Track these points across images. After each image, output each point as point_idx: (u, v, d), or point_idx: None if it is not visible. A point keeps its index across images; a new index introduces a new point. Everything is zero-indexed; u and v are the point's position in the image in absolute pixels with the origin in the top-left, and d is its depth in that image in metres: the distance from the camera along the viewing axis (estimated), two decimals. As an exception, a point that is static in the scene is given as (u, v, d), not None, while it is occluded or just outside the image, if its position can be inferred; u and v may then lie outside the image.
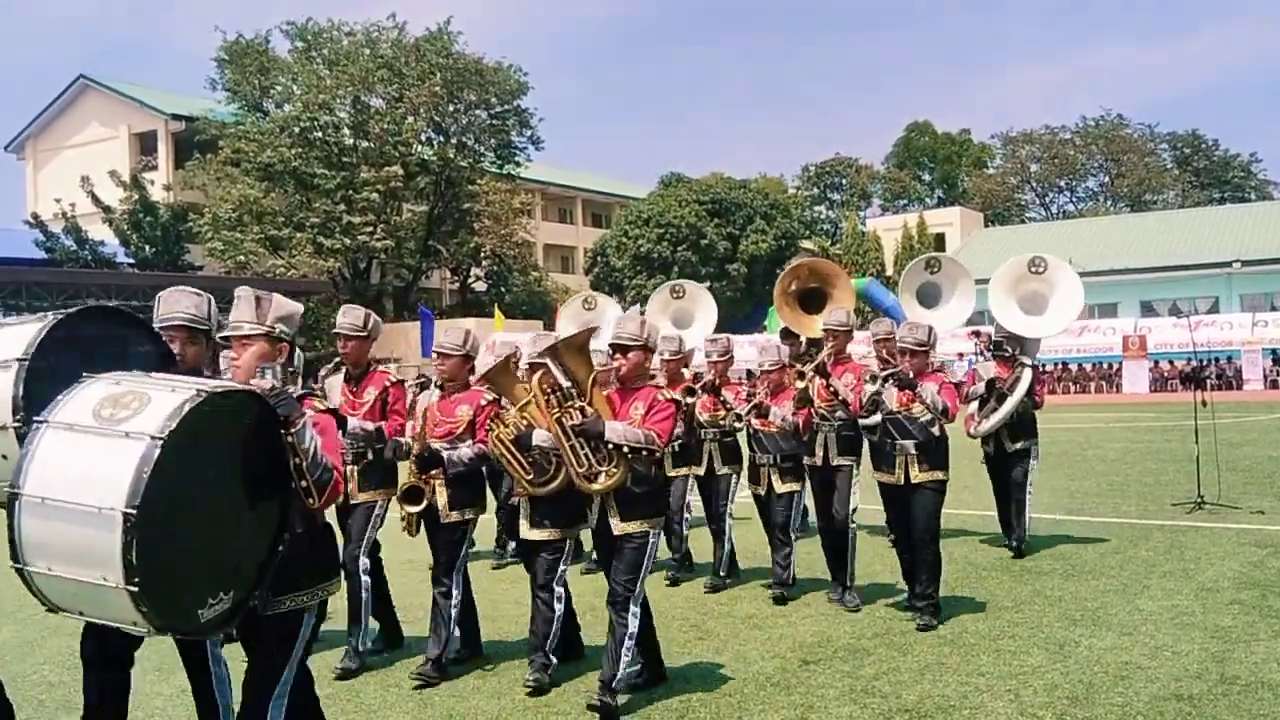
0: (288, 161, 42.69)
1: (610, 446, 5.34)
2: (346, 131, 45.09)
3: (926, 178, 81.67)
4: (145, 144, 51.26)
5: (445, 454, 6.07)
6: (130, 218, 40.39)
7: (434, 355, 6.41)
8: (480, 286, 52.60)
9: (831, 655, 6.38)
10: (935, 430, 7.02)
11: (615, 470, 5.39)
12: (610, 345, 5.79)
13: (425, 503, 6.06)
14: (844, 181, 78.99)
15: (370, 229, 43.41)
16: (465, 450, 6.13)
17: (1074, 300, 10.08)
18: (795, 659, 6.32)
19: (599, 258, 57.45)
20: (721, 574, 8.42)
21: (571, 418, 5.39)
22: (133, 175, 42.19)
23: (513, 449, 5.76)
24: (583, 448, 5.41)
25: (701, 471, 8.54)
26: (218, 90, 45.20)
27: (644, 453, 5.38)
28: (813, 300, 9.40)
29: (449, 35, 46.66)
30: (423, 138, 47.58)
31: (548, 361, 5.64)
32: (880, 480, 7.30)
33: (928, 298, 10.24)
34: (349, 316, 6.58)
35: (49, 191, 46.49)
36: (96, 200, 40.02)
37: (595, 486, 5.43)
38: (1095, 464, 16.10)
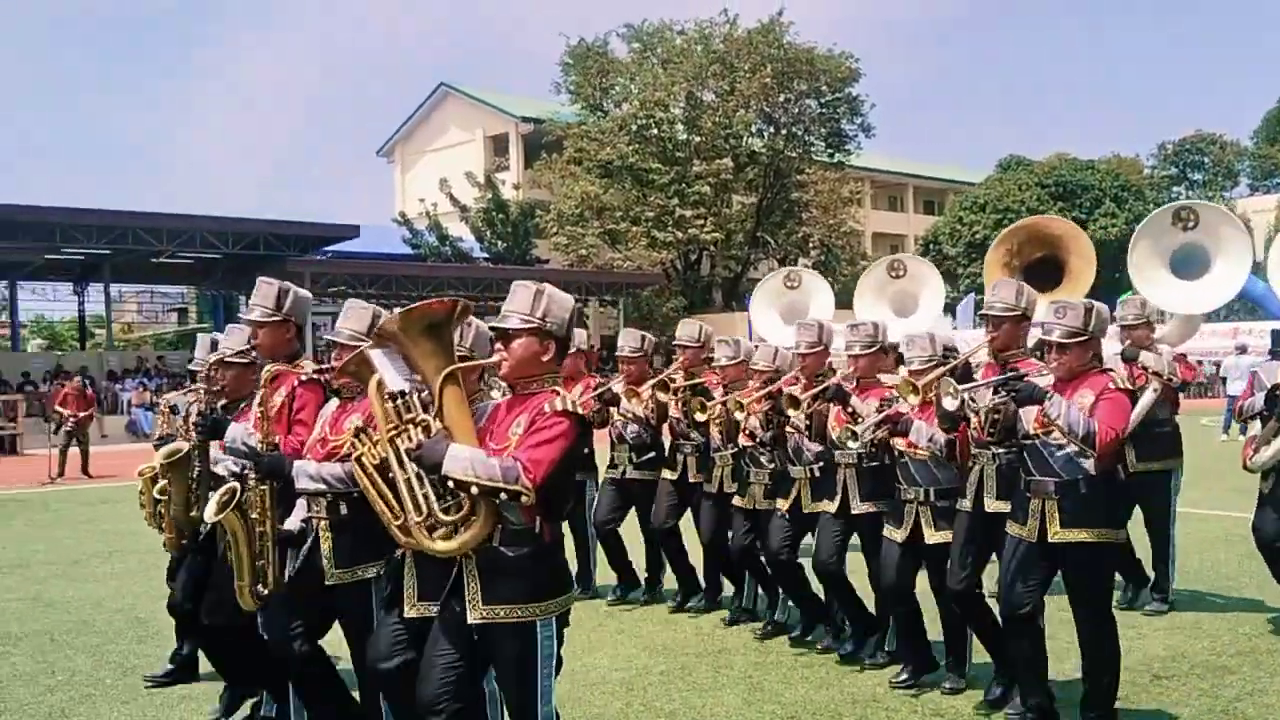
0: (625, 158, 44.46)
1: (452, 484, 3.44)
2: (680, 127, 46.34)
3: (1305, 153, 73.61)
4: (498, 145, 55.01)
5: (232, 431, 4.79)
6: (484, 215, 43.96)
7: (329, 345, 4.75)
8: (808, 277, 52.52)
9: (1187, 672, 5.92)
10: (1087, 464, 4.76)
11: (473, 521, 3.50)
12: (491, 329, 3.98)
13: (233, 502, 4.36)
14: (1206, 160, 72.65)
15: (701, 221, 44.47)
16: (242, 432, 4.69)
17: None
18: (1145, 674, 5.90)
19: (930, 245, 56.00)
20: (778, 618, 6.95)
21: (409, 439, 3.55)
22: (487, 176, 45.74)
23: (377, 478, 3.63)
24: (421, 485, 3.52)
25: (834, 508, 6.22)
26: (561, 93, 47.77)
27: (504, 495, 3.42)
28: (1044, 274, 7.23)
29: (780, 26, 46.97)
30: (753, 129, 48.13)
31: (373, 356, 3.67)
32: (1010, 533, 5.04)
33: (1185, 264, 7.49)
34: (257, 296, 4.84)
35: (414, 192, 50.86)
36: (454, 200, 43.79)
37: (439, 545, 3.53)
38: None
